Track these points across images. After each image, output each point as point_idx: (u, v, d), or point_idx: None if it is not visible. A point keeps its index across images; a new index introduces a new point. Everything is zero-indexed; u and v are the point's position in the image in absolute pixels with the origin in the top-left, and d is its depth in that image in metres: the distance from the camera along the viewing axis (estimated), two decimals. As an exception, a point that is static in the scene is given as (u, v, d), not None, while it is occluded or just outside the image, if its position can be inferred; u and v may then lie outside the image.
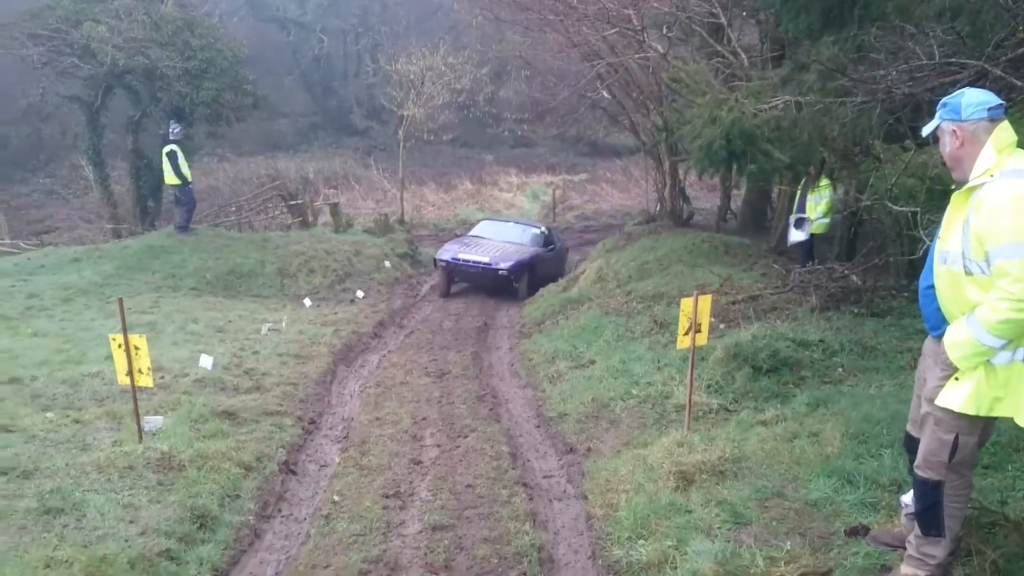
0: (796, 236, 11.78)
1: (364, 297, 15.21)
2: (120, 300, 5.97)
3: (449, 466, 6.05)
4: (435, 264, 15.66)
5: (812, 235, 11.59)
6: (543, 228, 18.11)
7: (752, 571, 3.93)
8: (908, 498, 3.96)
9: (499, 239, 16.64)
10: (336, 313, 13.41)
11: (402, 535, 4.87)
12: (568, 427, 6.89)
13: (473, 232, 17.58)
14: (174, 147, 15.68)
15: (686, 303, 5.93)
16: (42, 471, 5.47)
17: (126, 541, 4.44)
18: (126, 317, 12.39)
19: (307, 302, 14.10)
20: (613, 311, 10.83)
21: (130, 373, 5.79)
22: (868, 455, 4.94)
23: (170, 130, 16.20)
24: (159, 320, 11.80)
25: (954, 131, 3.43)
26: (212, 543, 4.74)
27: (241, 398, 7.67)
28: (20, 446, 6.00)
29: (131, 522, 4.71)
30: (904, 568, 3.75)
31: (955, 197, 3.45)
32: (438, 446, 6.54)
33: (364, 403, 8.19)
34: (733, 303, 10.18)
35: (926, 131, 3.58)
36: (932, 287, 3.58)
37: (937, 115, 3.51)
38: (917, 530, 3.72)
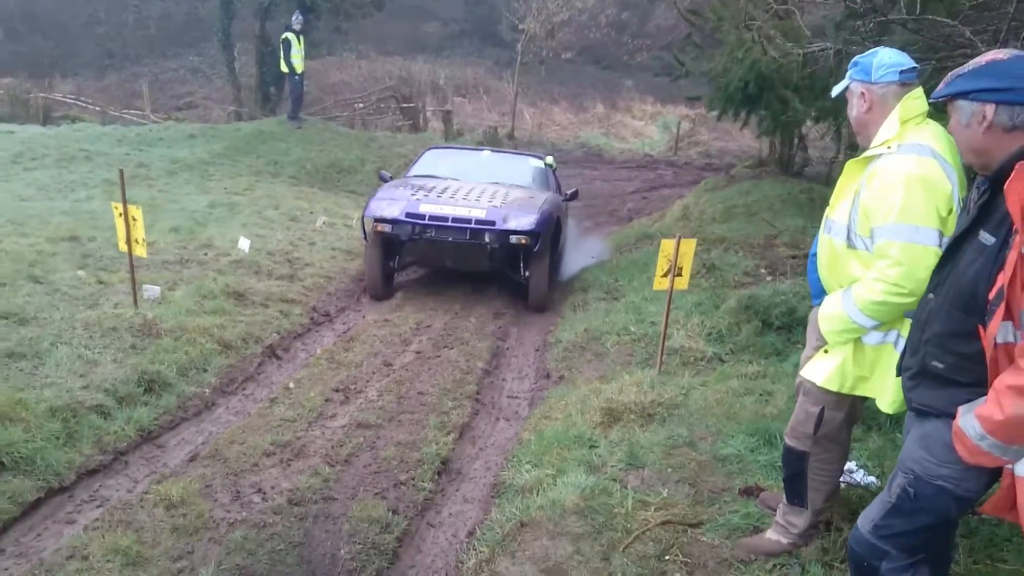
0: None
1: (453, 206, 15.42)
2: (121, 171, 6.27)
3: (415, 372, 6.20)
4: (367, 232, 8.66)
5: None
6: (549, 159, 11.11)
7: (616, 510, 3.91)
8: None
9: (480, 179, 9.76)
10: (417, 218, 13.68)
11: (325, 427, 5.08)
12: (555, 354, 6.92)
13: (419, 169, 10.37)
14: (289, 36, 16.15)
15: (666, 244, 5.79)
16: (38, 320, 5.94)
17: (67, 392, 4.81)
18: (219, 195, 13.12)
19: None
20: (671, 249, 10.63)
21: (128, 241, 6.13)
22: (805, 421, 4.77)
23: (293, 19, 16.66)
24: (242, 202, 12.35)
25: (863, 93, 3.18)
26: (151, 407, 5.07)
27: (266, 283, 8.01)
28: (38, 296, 6.51)
29: (81, 376, 5.09)
30: (769, 533, 3.71)
31: (849, 165, 3.23)
32: (418, 352, 6.69)
33: (386, 304, 8.42)
34: (793, 256, 9.82)
35: (835, 91, 3.33)
36: (817, 255, 3.43)
37: (847, 75, 3.27)
38: (784, 497, 3.65)
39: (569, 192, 10.50)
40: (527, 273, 8.56)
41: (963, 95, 2.28)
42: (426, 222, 8.13)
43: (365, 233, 8.73)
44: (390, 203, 8.40)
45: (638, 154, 25.91)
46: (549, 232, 8.55)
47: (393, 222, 8.19)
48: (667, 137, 28.47)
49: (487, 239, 8.12)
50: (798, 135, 17.57)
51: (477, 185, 9.33)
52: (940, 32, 5.08)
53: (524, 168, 10.56)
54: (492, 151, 11.56)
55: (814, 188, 14.43)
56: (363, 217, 8.68)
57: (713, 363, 6.50)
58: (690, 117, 29.70)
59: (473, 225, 8.09)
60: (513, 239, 8.14)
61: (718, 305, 7.40)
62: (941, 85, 2.39)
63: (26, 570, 3.46)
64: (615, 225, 16.14)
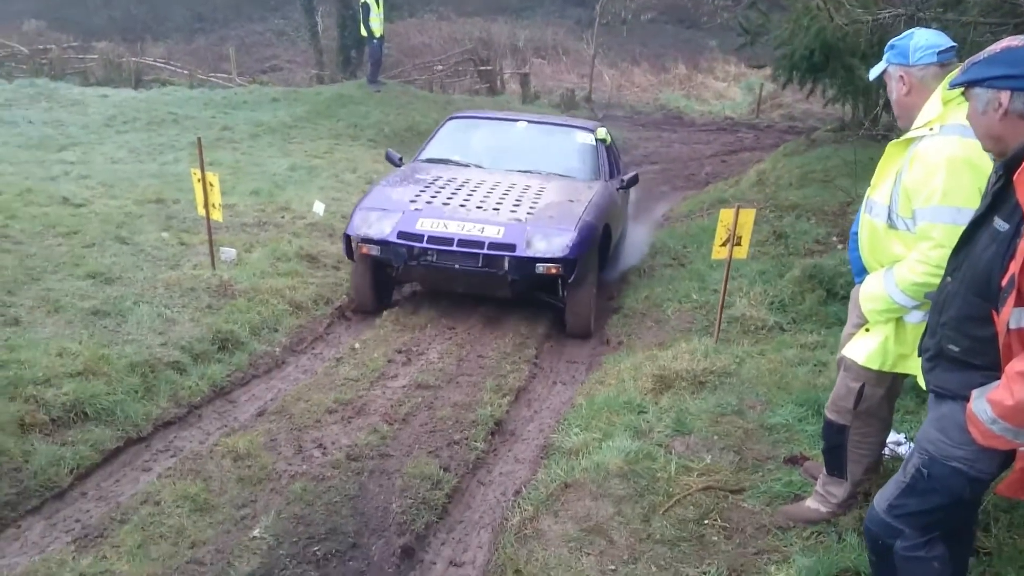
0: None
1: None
2: (199, 139, 6.54)
3: (476, 336, 6.37)
4: (351, 249, 6.70)
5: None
6: (600, 131, 8.71)
7: (659, 475, 4.03)
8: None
9: (511, 164, 7.94)
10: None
11: (386, 387, 5.30)
12: (616, 320, 7.01)
13: (434, 149, 8.47)
14: (368, 0, 16.35)
15: (725, 213, 5.80)
16: (123, 280, 6.30)
17: (146, 348, 5.13)
18: (300, 158, 13.46)
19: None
20: (742, 216, 10.55)
21: (206, 206, 6.42)
22: (857, 392, 4.80)
23: (369, -18, 16.89)
24: (321, 165, 12.67)
25: (901, 76, 3.18)
26: (223, 364, 5.38)
27: (339, 245, 8.24)
28: (124, 256, 6.89)
29: (160, 333, 5.41)
30: (809, 501, 3.78)
31: (891, 147, 3.24)
32: (482, 315, 6.85)
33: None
34: (867, 224, 9.67)
35: (873, 74, 3.34)
36: (859, 234, 3.46)
37: (884, 58, 3.28)
38: (824, 468, 3.72)
39: (627, 177, 8.32)
40: (564, 293, 6.68)
41: (979, 82, 2.29)
42: (424, 244, 6.28)
43: (349, 252, 6.77)
44: (380, 216, 6.52)
45: (719, 116, 25.52)
46: (591, 254, 6.65)
47: (382, 244, 6.38)
48: (750, 99, 27.90)
49: (506, 267, 6.24)
50: (882, 97, 17.10)
51: (503, 178, 7.40)
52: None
53: (569, 146, 8.38)
54: (529, 121, 8.97)
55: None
56: (345, 234, 6.73)
57: (773, 332, 6.50)
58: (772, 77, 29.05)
59: (486, 250, 6.22)
60: (540, 268, 6.24)
61: (783, 274, 7.36)
62: (958, 72, 2.41)
63: (104, 512, 3.77)
64: (692, 189, 16.01)
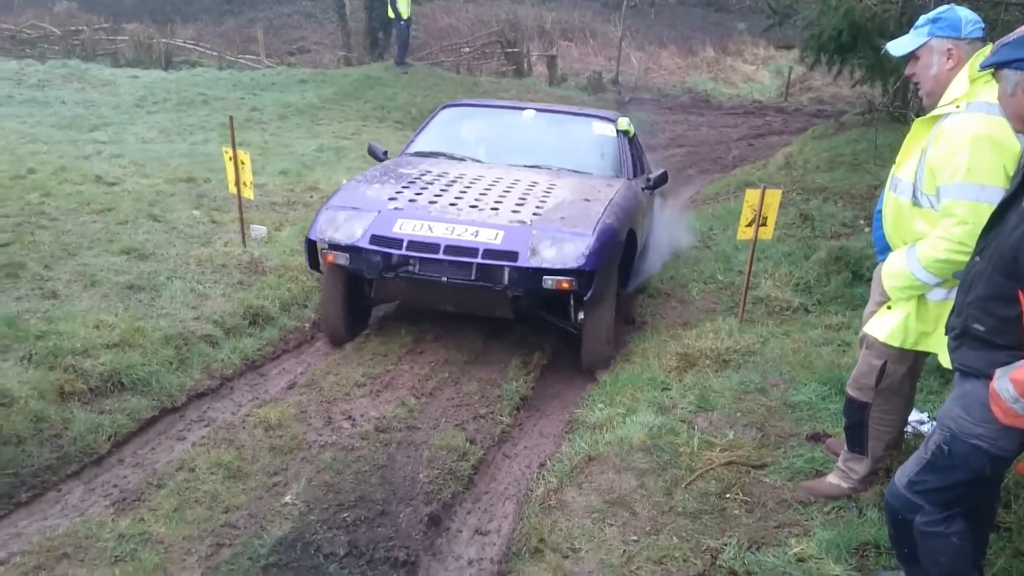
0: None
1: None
2: (231, 118, 6.66)
3: (503, 313, 6.44)
4: (313, 260, 5.58)
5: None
6: (623, 122, 7.34)
7: (682, 449, 4.09)
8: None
9: (515, 158, 6.68)
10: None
11: (413, 363, 5.39)
12: (641, 299, 7.05)
13: (425, 141, 7.15)
14: (396, -19, 16.43)
15: (751, 194, 5.82)
16: (157, 256, 6.44)
17: (180, 322, 5.26)
18: (327, 139, 13.57)
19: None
20: (769, 198, 10.52)
21: (237, 184, 6.52)
22: (880, 372, 4.82)
23: (403, -36, 16.94)
24: (348, 146, 12.80)
25: (949, 49, 3.12)
26: (254, 338, 5.51)
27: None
28: (157, 234, 7.02)
29: (193, 308, 5.54)
30: (831, 476, 3.82)
31: (917, 124, 3.25)
32: (508, 294, 6.91)
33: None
34: (894, 208, 9.62)
35: (904, 49, 3.25)
36: (883, 211, 3.48)
37: (922, 31, 3.20)
38: (846, 444, 3.76)
39: (654, 176, 6.98)
40: (580, 316, 5.50)
41: (1008, 64, 2.30)
42: (404, 252, 5.03)
43: (311, 262, 5.62)
44: (350, 217, 5.29)
45: (747, 100, 25.37)
46: (613, 263, 5.48)
47: (351, 250, 5.17)
48: (778, 82, 27.73)
49: (505, 281, 5.02)
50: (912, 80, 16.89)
51: (504, 174, 6.13)
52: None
53: (585, 139, 7.10)
54: (538, 111, 7.51)
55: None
56: (307, 239, 5.50)
57: (798, 313, 6.53)
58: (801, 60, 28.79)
59: (480, 259, 4.97)
60: (548, 282, 5.01)
61: (808, 256, 7.38)
62: (988, 54, 2.42)
63: (141, 478, 3.89)
64: (719, 172, 15.97)
